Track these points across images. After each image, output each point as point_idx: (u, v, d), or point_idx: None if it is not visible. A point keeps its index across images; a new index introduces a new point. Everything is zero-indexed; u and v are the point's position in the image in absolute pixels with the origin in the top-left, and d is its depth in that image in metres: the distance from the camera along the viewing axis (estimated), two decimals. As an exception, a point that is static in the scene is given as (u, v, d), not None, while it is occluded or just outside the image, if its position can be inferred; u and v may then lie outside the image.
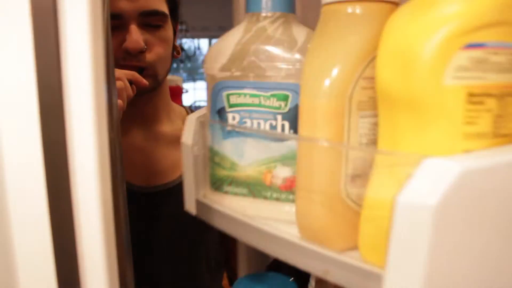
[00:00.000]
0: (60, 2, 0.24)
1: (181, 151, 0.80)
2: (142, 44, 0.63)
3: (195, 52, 6.31)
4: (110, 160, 0.27)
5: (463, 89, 0.23)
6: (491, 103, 0.24)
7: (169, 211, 0.74)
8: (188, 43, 6.09)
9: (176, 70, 7.02)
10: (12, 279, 0.26)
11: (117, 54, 0.64)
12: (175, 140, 0.77)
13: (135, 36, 0.62)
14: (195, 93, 7.03)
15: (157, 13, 0.65)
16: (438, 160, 0.21)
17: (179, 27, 0.76)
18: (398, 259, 0.21)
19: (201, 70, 7.31)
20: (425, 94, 0.24)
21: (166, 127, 0.78)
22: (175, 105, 0.83)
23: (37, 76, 0.24)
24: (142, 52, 0.64)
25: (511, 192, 0.22)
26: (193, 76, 7.34)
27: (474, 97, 0.24)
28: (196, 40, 6.36)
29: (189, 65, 7.15)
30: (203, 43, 6.71)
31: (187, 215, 0.73)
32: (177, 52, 0.76)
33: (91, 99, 0.25)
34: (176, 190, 0.74)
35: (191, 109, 0.86)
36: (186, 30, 5.62)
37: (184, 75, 7.17)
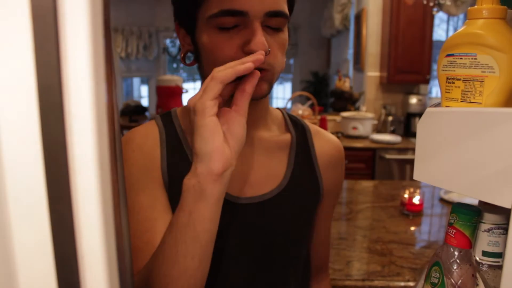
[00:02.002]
0: (60, 2, 0.24)
1: (277, 159, 0.75)
2: (267, 46, 0.59)
3: (195, 52, 6.29)
4: (110, 160, 0.27)
5: (445, 75, 0.52)
6: (459, 83, 0.50)
7: (259, 226, 0.70)
8: (188, 43, 6.07)
9: (176, 70, 7.03)
10: (12, 279, 0.26)
11: (237, 54, 0.59)
12: (272, 147, 0.74)
13: (261, 37, 0.58)
14: (195, 93, 7.01)
15: (281, 15, 0.61)
16: (428, 107, 0.53)
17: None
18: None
19: (201, 70, 7.29)
20: (439, 77, 0.53)
21: (263, 133, 0.73)
22: (271, 108, 0.78)
23: (37, 76, 0.24)
24: (266, 54, 0.59)
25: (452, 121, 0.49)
26: (193, 76, 7.33)
27: (449, 79, 0.51)
28: (196, 40, 6.34)
29: (189, 65, 7.14)
30: (203, 43, 6.69)
31: (277, 230, 0.73)
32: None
33: (91, 99, 0.25)
34: (268, 204, 0.71)
35: (286, 112, 0.81)
36: (186, 30, 5.61)
37: (184, 75, 7.17)
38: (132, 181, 0.68)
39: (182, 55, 0.69)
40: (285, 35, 0.64)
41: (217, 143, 0.51)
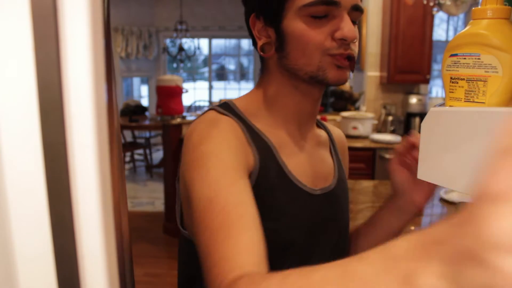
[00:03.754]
0: (60, 2, 0.24)
1: (327, 153, 0.79)
2: (356, 33, 0.63)
3: (195, 52, 6.31)
4: (110, 160, 0.27)
5: (449, 75, 0.52)
6: (462, 83, 0.51)
7: (327, 217, 0.73)
8: (188, 43, 6.09)
9: (176, 70, 7.03)
10: (13, 279, 0.25)
11: (327, 40, 0.63)
12: (321, 142, 0.78)
13: (352, 25, 0.63)
14: (195, 93, 7.03)
15: (361, 10, 0.66)
16: (432, 107, 0.53)
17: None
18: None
19: (201, 70, 7.31)
20: (443, 77, 0.54)
21: (314, 127, 0.77)
22: None
23: (37, 76, 0.24)
24: (353, 42, 0.64)
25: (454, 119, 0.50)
26: (193, 76, 7.33)
27: (453, 79, 0.52)
28: (196, 40, 6.36)
29: (189, 65, 7.15)
30: (203, 43, 6.71)
31: (339, 220, 0.75)
32: None
33: (91, 98, 0.25)
34: (332, 195, 0.74)
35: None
36: (186, 30, 5.62)
37: (184, 75, 7.17)
38: (218, 175, 0.56)
39: (259, 47, 0.70)
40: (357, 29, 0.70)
41: None
